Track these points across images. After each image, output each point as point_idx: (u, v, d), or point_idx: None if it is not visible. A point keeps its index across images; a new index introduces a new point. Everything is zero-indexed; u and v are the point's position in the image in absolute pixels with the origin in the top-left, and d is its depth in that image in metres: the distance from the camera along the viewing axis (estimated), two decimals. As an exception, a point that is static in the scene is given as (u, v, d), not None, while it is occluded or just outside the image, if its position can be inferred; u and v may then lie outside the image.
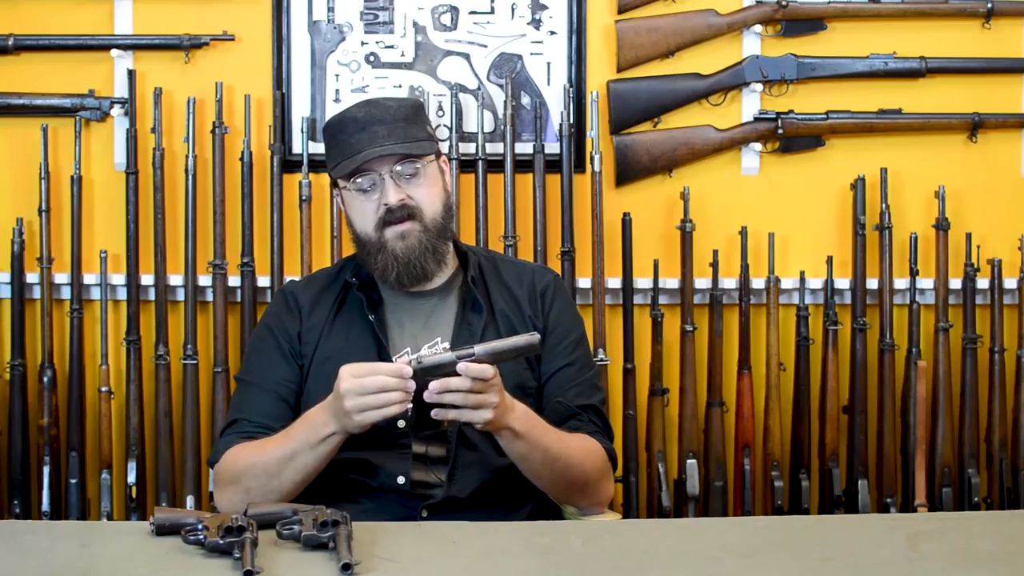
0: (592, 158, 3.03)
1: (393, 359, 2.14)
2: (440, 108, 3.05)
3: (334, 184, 2.26)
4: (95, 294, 3.02)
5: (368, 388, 1.91)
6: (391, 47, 3.07)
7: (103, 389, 2.97)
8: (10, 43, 3.00)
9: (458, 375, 1.89)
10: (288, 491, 2.04)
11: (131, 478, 2.95)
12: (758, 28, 3.09)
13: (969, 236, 3.07)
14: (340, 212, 2.96)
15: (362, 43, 3.07)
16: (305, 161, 3.00)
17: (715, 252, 3.05)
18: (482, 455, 2.11)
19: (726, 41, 3.11)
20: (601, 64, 3.09)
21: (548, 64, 3.08)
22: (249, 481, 2.05)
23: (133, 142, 2.97)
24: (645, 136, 3.09)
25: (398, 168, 2.14)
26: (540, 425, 2.06)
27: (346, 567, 1.62)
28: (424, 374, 1.90)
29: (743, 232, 3.06)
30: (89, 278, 3.00)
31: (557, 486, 2.12)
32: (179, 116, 3.02)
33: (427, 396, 1.89)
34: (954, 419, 3.09)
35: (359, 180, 2.16)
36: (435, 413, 1.91)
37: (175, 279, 3.01)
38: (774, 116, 3.09)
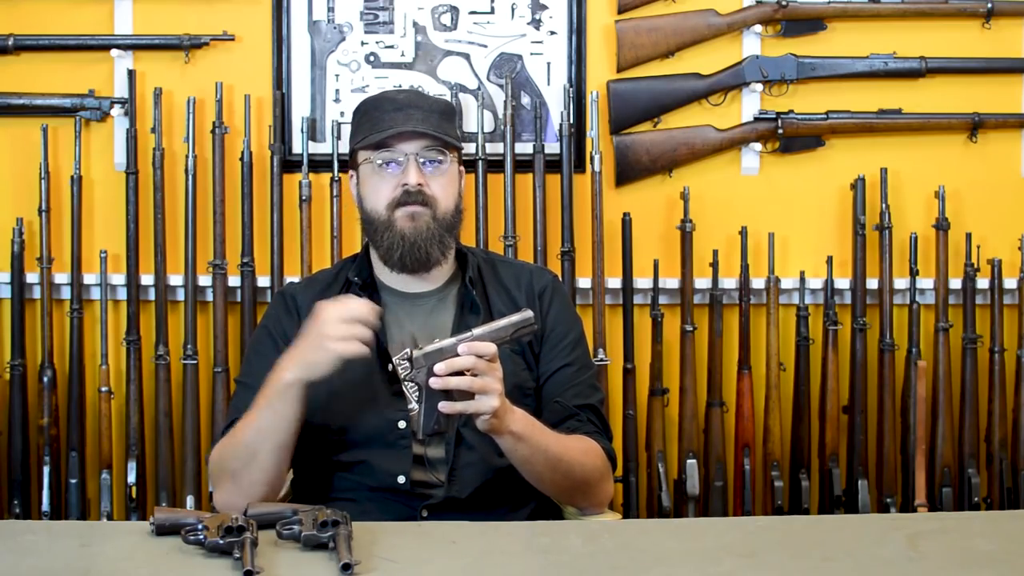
0: (592, 158, 3.03)
1: (393, 360, 2.15)
2: (440, 108, 3.04)
3: (351, 164, 2.26)
4: (95, 294, 3.02)
5: (350, 315, 1.96)
6: (391, 47, 3.07)
7: (103, 389, 2.97)
8: (10, 43, 3.00)
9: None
10: (269, 467, 2.02)
11: (131, 478, 2.95)
12: (758, 28, 3.09)
13: (969, 236, 3.07)
14: (340, 212, 2.98)
15: (362, 43, 3.07)
16: (305, 161, 3.00)
17: (715, 252, 3.05)
18: (481, 456, 2.11)
19: (726, 41, 3.11)
20: (601, 64, 3.09)
21: (548, 64, 3.09)
22: (232, 464, 2.04)
23: (133, 142, 2.97)
24: (645, 136, 3.09)
25: (424, 154, 2.16)
26: (540, 428, 2.06)
27: (346, 567, 1.62)
28: (426, 360, 1.91)
29: (743, 232, 3.06)
30: (89, 278, 3.01)
31: (558, 487, 2.12)
32: (179, 116, 3.02)
33: (433, 382, 1.89)
34: (954, 419, 3.09)
35: (384, 154, 2.17)
36: (443, 406, 1.90)
37: (175, 279, 3.01)
38: (774, 116, 3.09)
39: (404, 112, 2.17)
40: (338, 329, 1.95)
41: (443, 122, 2.20)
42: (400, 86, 3.04)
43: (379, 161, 2.17)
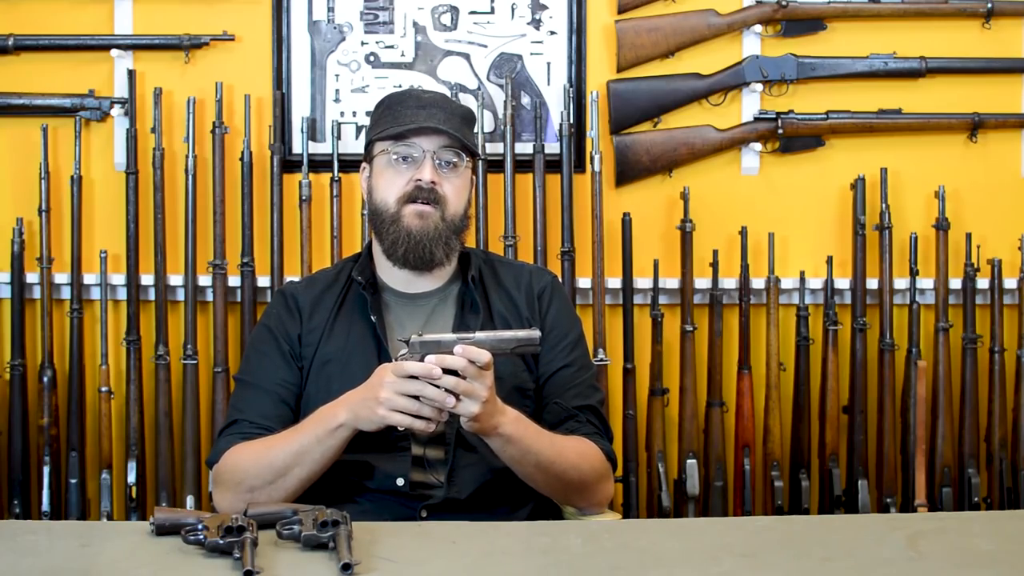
0: (592, 158, 3.03)
1: (393, 359, 2.14)
2: (440, 108, 3.04)
3: (366, 156, 2.26)
4: (95, 294, 3.02)
5: (409, 390, 1.91)
6: (391, 47, 3.07)
7: (103, 389, 2.97)
8: (10, 43, 3.00)
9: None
10: (292, 490, 2.04)
11: (131, 478, 2.95)
12: (758, 28, 3.09)
13: (969, 236, 3.08)
14: (340, 212, 2.99)
15: (362, 43, 3.07)
16: (305, 161, 3.00)
17: (715, 252, 3.05)
18: (481, 456, 2.11)
19: (726, 41, 3.11)
20: (601, 64, 3.09)
21: (548, 64, 3.08)
22: (253, 480, 2.05)
23: (133, 142, 2.97)
24: (645, 136, 3.09)
25: (442, 153, 2.17)
26: (533, 430, 2.06)
27: (346, 567, 1.62)
28: (422, 348, 1.92)
29: (743, 232, 3.06)
30: (89, 278, 3.01)
31: (552, 488, 2.12)
32: (179, 116, 3.02)
33: None
34: (954, 419, 3.09)
35: (401, 148, 2.18)
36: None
37: (175, 279, 3.01)
38: (774, 116, 3.09)
39: (427, 110, 2.19)
40: (390, 396, 1.93)
41: (464, 127, 2.22)
42: (401, 86, 3.05)
43: (395, 154, 2.18)
